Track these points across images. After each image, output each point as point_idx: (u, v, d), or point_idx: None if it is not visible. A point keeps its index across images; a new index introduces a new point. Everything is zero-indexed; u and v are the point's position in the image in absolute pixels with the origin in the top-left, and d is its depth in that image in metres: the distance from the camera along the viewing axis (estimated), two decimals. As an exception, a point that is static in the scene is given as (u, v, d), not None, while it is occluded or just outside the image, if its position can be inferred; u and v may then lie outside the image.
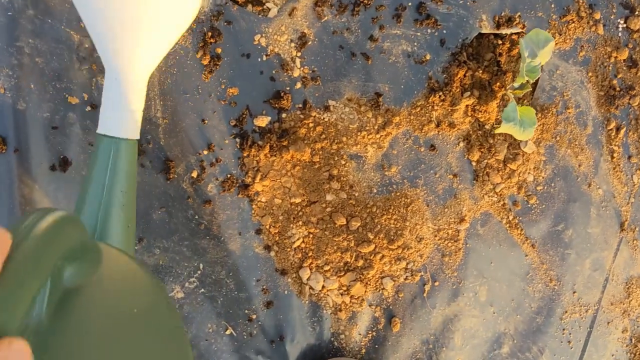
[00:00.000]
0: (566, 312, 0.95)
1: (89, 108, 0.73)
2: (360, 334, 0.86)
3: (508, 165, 0.88)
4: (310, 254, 0.82)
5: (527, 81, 0.80)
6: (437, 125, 0.84)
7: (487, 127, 0.86)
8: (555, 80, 0.90)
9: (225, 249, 0.79)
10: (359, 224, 0.83)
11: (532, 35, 0.78)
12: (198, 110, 0.76)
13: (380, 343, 0.87)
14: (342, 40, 0.80)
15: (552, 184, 0.91)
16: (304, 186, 0.81)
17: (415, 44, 0.82)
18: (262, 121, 0.78)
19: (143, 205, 0.76)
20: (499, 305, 0.91)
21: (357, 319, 0.85)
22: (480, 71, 0.84)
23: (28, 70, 0.71)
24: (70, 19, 0.71)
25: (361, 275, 0.83)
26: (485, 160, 0.87)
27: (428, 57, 0.83)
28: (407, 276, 0.86)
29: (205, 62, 0.76)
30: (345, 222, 0.82)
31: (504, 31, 0.85)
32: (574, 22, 0.89)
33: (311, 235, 0.82)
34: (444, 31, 0.83)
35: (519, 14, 0.86)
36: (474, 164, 0.87)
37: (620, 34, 0.92)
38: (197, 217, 0.78)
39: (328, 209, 0.82)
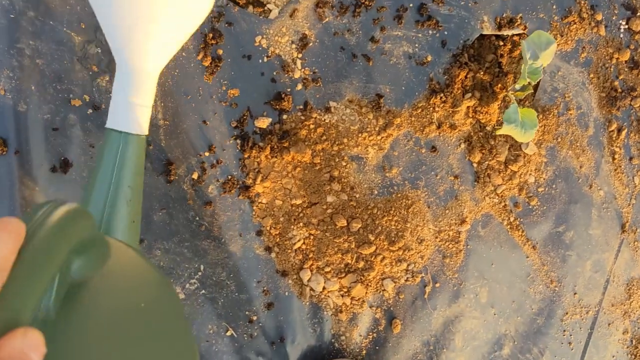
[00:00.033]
0: (567, 313, 0.95)
1: (90, 110, 0.73)
2: (360, 336, 0.86)
3: (509, 166, 0.88)
4: (311, 255, 0.82)
5: (529, 83, 0.80)
6: (438, 127, 0.84)
7: (488, 128, 0.86)
8: (557, 82, 0.89)
9: (226, 250, 0.79)
10: (359, 226, 0.82)
11: (534, 37, 0.78)
12: (199, 112, 0.76)
13: (381, 344, 0.87)
14: (343, 41, 0.80)
15: (553, 186, 0.91)
16: (304, 187, 0.81)
17: (417, 45, 0.82)
18: (263, 122, 0.78)
19: (144, 206, 0.76)
20: (499, 307, 0.91)
21: (358, 321, 0.85)
22: (482, 72, 0.84)
23: (29, 72, 0.71)
24: (71, 20, 0.71)
25: (362, 277, 0.83)
26: (487, 162, 0.87)
27: (429, 58, 0.82)
28: (407, 277, 0.86)
29: (206, 64, 0.76)
30: (346, 224, 0.82)
31: (506, 32, 0.85)
32: (575, 23, 0.89)
33: (312, 237, 0.82)
34: (445, 32, 0.83)
35: (520, 15, 0.85)
36: (475, 165, 0.87)
37: (622, 35, 0.92)
38: (197, 218, 0.78)
39: (329, 211, 0.82)
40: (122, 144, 0.61)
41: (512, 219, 0.90)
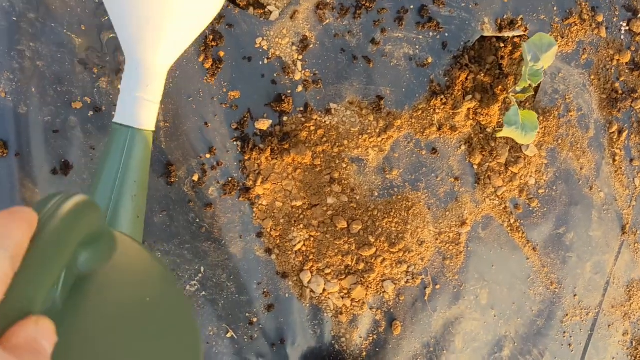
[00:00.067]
0: (567, 315, 0.95)
1: (91, 112, 0.73)
2: (361, 337, 0.86)
3: (510, 168, 0.87)
4: (311, 257, 0.82)
5: (530, 85, 0.80)
6: (439, 129, 0.84)
7: (488, 130, 0.86)
8: (558, 83, 0.89)
9: (226, 252, 0.79)
10: (360, 227, 0.83)
11: (535, 40, 0.78)
12: (199, 114, 0.76)
13: (381, 346, 0.87)
14: (344, 43, 0.80)
15: (554, 187, 0.91)
16: (305, 189, 0.81)
17: (417, 47, 0.82)
18: (264, 124, 0.78)
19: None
20: (500, 309, 0.91)
21: (358, 322, 0.85)
22: (482, 74, 0.84)
23: (29, 74, 0.71)
24: (71, 22, 0.71)
25: (362, 279, 0.83)
26: (487, 164, 0.87)
27: (430, 60, 0.82)
28: (408, 279, 0.86)
29: (207, 66, 0.76)
30: (346, 226, 0.82)
31: (506, 34, 0.85)
32: (576, 24, 0.89)
33: (312, 239, 0.82)
34: (446, 34, 0.82)
35: (521, 16, 0.85)
36: (475, 167, 0.87)
37: (622, 37, 0.92)
38: (198, 220, 0.78)
39: (329, 212, 0.82)
40: (129, 138, 0.61)
41: (512, 221, 0.90)
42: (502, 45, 0.85)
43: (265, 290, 0.81)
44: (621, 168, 0.94)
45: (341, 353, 0.85)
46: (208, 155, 0.77)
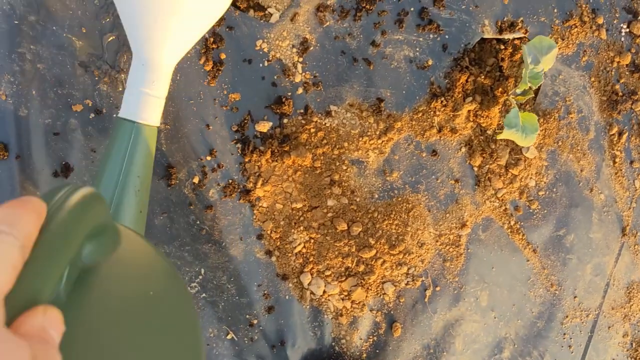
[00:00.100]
0: (567, 316, 0.95)
1: (92, 115, 0.73)
2: (361, 339, 0.86)
3: (510, 170, 0.88)
4: (311, 259, 0.82)
5: (530, 87, 0.80)
6: (439, 131, 0.84)
7: (489, 132, 0.86)
8: (558, 85, 0.89)
9: (226, 254, 0.79)
10: (360, 229, 0.83)
11: (535, 42, 0.78)
12: (200, 116, 0.76)
13: (381, 348, 0.87)
14: (344, 45, 0.80)
15: (554, 189, 0.91)
16: (305, 191, 0.81)
17: (417, 49, 0.82)
18: (264, 126, 0.78)
19: (145, 210, 0.76)
20: (500, 310, 0.91)
21: (358, 324, 0.85)
22: (483, 76, 0.84)
23: (30, 77, 0.71)
24: (72, 25, 0.71)
25: (362, 281, 0.84)
26: (487, 166, 0.87)
27: (430, 62, 0.82)
28: (408, 281, 0.86)
29: (207, 68, 0.76)
30: (346, 228, 0.82)
31: (507, 36, 0.85)
32: (576, 26, 0.89)
33: (312, 241, 0.82)
34: (446, 36, 0.82)
35: (521, 19, 0.85)
36: (475, 169, 0.87)
37: (623, 39, 0.92)
38: (198, 222, 0.78)
39: (329, 214, 0.82)
40: (134, 134, 0.62)
41: (512, 223, 0.90)
42: (502, 47, 0.85)
43: (265, 292, 0.81)
44: (621, 170, 0.94)
45: (341, 355, 0.85)
46: (208, 158, 0.77)
